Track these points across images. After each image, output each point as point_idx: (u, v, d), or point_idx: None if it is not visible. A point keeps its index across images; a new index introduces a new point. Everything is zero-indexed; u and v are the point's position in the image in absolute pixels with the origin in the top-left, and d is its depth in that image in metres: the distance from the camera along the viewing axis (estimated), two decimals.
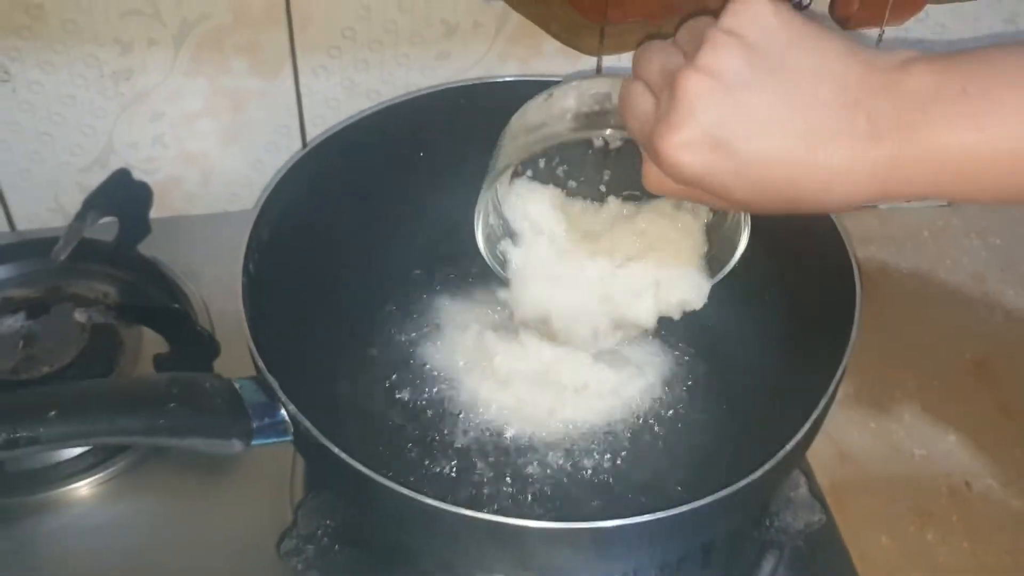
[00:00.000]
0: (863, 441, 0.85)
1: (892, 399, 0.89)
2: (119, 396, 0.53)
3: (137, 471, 0.73)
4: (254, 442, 0.53)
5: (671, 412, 0.73)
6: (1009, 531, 0.79)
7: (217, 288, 0.84)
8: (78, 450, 0.73)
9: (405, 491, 0.49)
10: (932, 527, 0.79)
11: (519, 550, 0.51)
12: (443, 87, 0.77)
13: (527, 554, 0.51)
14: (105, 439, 0.55)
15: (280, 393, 0.53)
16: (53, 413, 0.48)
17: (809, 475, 0.68)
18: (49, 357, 0.74)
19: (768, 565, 0.69)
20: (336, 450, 0.50)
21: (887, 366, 0.91)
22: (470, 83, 0.77)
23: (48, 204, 0.89)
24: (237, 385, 0.54)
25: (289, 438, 0.53)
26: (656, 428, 0.72)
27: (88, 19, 0.78)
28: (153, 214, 0.88)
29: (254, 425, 0.53)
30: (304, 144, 0.89)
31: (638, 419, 0.72)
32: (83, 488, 0.73)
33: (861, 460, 0.83)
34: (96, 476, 0.73)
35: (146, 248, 0.86)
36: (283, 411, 0.53)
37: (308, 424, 0.52)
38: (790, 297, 0.72)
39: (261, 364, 0.54)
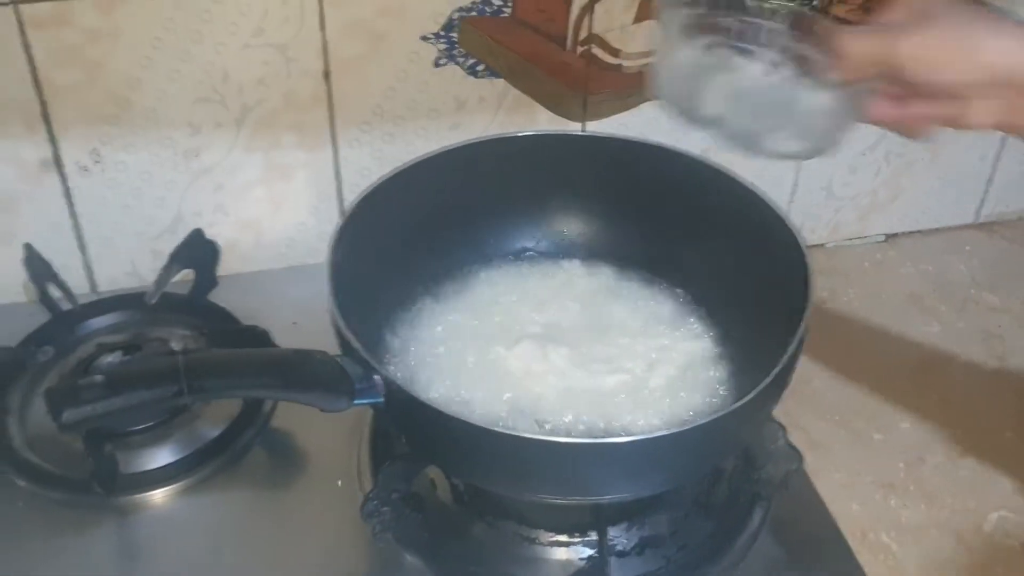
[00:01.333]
0: (830, 431, 0.97)
1: (851, 397, 1.01)
2: (260, 361, 0.66)
3: (221, 475, 0.85)
4: (355, 401, 0.66)
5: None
6: (958, 494, 0.91)
7: (273, 327, 0.94)
8: (170, 458, 0.84)
9: (477, 424, 0.63)
10: (894, 495, 0.91)
11: (562, 467, 0.64)
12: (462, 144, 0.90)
13: (568, 470, 0.65)
14: (253, 392, 0.68)
15: (373, 363, 0.67)
16: (216, 371, 0.62)
17: (785, 430, 0.82)
18: None
19: (758, 515, 0.82)
20: (423, 399, 0.65)
21: (845, 372, 1.04)
22: (482, 140, 0.91)
23: (126, 268, 1.01)
24: (338, 359, 0.68)
25: (381, 399, 0.67)
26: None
27: (166, 107, 0.92)
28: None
29: (356, 387, 0.66)
30: (341, 208, 1.03)
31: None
32: (179, 488, 0.83)
33: (830, 445, 0.95)
34: (187, 480, 0.84)
35: (212, 299, 0.98)
36: (376, 376, 0.67)
37: (399, 383, 0.66)
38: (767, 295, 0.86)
39: (357, 344, 0.67)
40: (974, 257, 1.22)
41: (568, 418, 0.77)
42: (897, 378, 1.04)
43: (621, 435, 0.73)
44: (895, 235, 1.23)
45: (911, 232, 1.24)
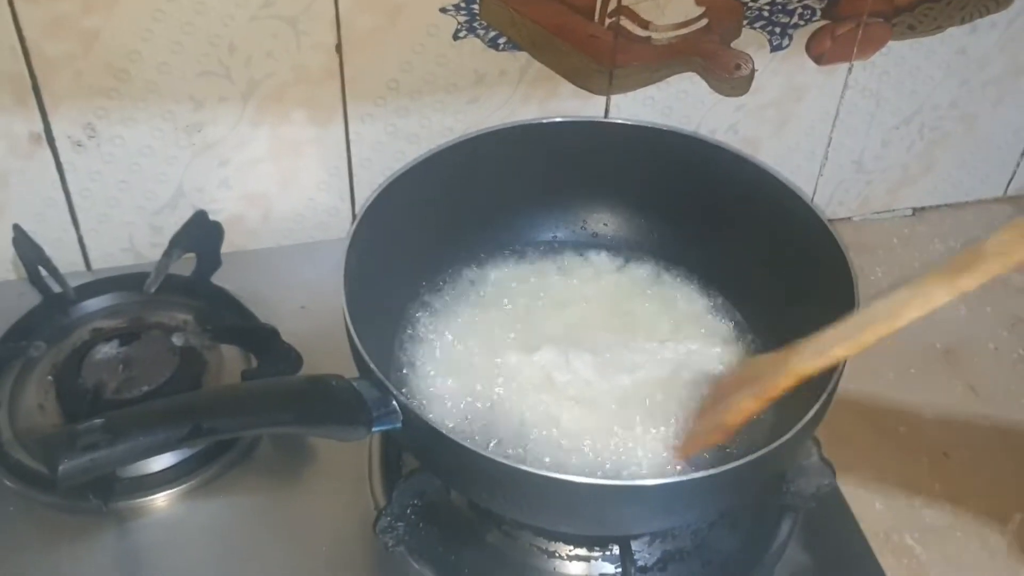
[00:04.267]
0: (853, 424, 0.94)
1: (876, 388, 0.98)
2: (272, 394, 0.62)
3: (227, 475, 0.81)
4: (374, 428, 0.63)
5: None
6: (983, 495, 0.89)
7: (280, 311, 0.92)
8: (172, 460, 0.80)
9: (495, 458, 0.59)
10: (918, 494, 0.89)
11: (583, 506, 0.61)
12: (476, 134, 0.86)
13: (590, 509, 0.62)
14: (263, 429, 0.64)
15: (392, 388, 0.63)
16: (227, 409, 0.58)
17: (820, 445, 0.79)
18: (146, 377, 0.82)
19: (786, 527, 0.80)
20: (441, 429, 0.61)
21: (869, 360, 1.00)
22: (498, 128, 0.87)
23: (123, 245, 0.97)
24: (355, 384, 0.64)
25: (399, 425, 0.64)
26: None
27: (167, 80, 0.87)
28: None
29: (373, 415, 0.63)
30: (351, 182, 0.99)
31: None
32: (181, 491, 0.80)
33: (853, 440, 0.93)
34: (191, 482, 0.80)
35: (216, 280, 0.94)
36: (394, 402, 0.63)
37: (416, 411, 0.62)
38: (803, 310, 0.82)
39: (373, 366, 0.64)
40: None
41: (587, 443, 0.73)
42: (922, 366, 1.02)
43: (644, 472, 0.69)
44: (923, 209, 1.19)
45: (939, 206, 1.20)
